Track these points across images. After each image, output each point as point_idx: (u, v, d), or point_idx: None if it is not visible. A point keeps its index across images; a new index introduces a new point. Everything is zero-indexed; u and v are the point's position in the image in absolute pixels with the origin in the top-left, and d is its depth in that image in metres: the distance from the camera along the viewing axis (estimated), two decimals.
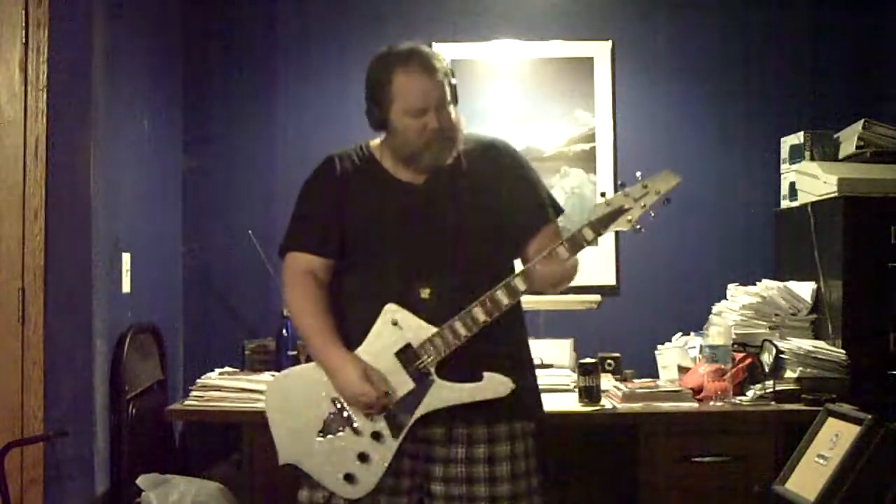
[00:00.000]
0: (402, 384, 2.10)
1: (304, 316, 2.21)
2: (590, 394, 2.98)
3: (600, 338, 3.48)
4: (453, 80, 2.20)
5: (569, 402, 3.03)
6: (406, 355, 2.10)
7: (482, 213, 2.21)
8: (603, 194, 2.09)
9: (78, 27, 2.81)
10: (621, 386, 3.07)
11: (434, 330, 2.09)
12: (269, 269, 3.32)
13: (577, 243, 2.08)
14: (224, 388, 3.04)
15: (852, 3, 3.74)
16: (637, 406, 2.95)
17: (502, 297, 2.08)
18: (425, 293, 2.12)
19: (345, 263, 2.24)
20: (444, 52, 3.66)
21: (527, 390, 2.22)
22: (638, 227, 2.08)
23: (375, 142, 2.30)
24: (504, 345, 2.19)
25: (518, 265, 2.26)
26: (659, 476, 2.87)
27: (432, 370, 2.09)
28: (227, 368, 3.26)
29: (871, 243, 3.07)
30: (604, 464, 3.26)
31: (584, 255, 2.11)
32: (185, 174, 3.71)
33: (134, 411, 2.97)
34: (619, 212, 2.06)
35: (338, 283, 2.26)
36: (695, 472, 2.86)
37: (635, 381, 3.20)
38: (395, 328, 2.10)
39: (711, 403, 2.96)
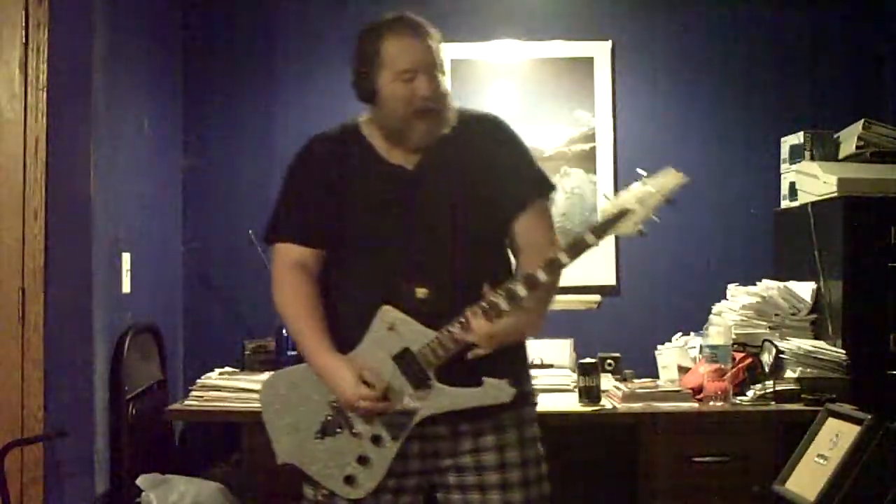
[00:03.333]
0: (401, 388, 2.04)
1: (297, 319, 2.12)
2: (590, 394, 2.98)
3: (600, 338, 3.48)
4: (444, 53, 2.14)
5: (569, 402, 3.03)
6: (404, 360, 2.03)
7: (477, 200, 2.12)
8: (605, 196, 2.01)
9: (78, 27, 2.80)
10: (621, 386, 3.07)
11: (433, 335, 2.01)
12: (269, 269, 3.31)
13: (578, 248, 1.98)
14: (224, 388, 3.04)
15: (853, 2, 3.74)
16: (637, 406, 2.95)
17: (502, 303, 1.98)
18: (422, 293, 2.04)
19: (335, 254, 2.16)
20: (444, 52, 3.69)
21: (528, 392, 2.19)
22: (641, 228, 1.98)
23: (364, 118, 2.20)
24: (503, 348, 2.10)
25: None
26: (659, 476, 2.87)
27: (431, 375, 2.02)
28: (227, 368, 3.26)
29: (871, 243, 3.07)
30: (604, 464, 3.26)
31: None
32: (185, 174, 3.71)
33: (134, 411, 2.96)
34: (623, 214, 1.96)
35: (328, 276, 2.17)
36: (695, 472, 2.86)
37: (635, 381, 3.19)
38: (392, 332, 2.03)
39: (711, 403, 2.96)
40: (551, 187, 2.25)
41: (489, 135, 2.19)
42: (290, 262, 2.16)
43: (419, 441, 2.08)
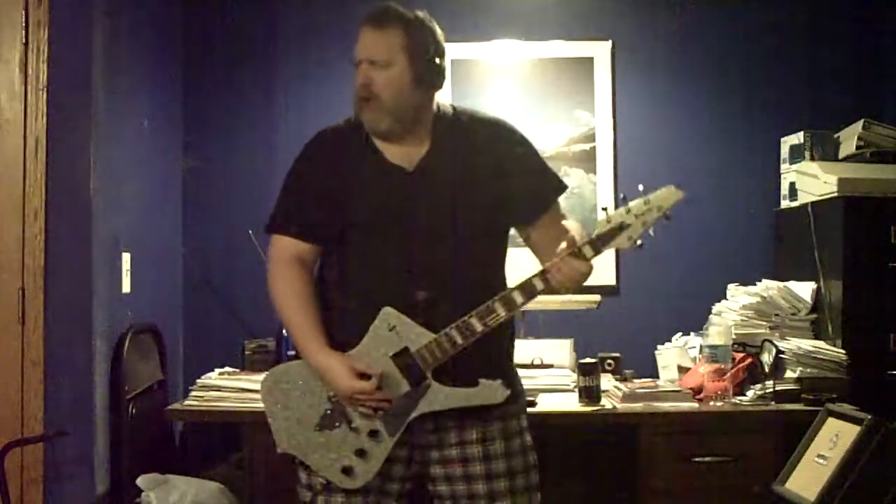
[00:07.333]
0: (398, 386, 2.08)
1: (292, 312, 2.15)
2: (590, 394, 2.98)
3: (600, 338, 3.48)
4: (430, 53, 2.11)
5: (569, 402, 3.02)
6: (403, 359, 2.07)
7: (482, 203, 2.15)
8: (604, 209, 2.06)
9: (78, 27, 2.81)
10: (621, 386, 3.07)
11: (432, 336, 2.05)
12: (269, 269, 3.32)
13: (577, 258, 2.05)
14: (224, 388, 3.04)
15: (852, 3, 3.74)
16: (637, 406, 2.95)
17: (500, 309, 2.04)
18: (421, 295, 2.09)
19: (335, 252, 2.18)
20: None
21: (518, 391, 2.21)
22: (638, 243, 2.04)
23: None
24: (497, 348, 2.17)
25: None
26: (659, 476, 2.87)
27: (429, 374, 2.07)
28: (227, 368, 3.26)
29: (871, 243, 3.08)
30: (604, 464, 3.26)
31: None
32: (185, 174, 3.71)
33: (134, 411, 2.97)
34: (620, 228, 2.01)
35: (327, 273, 2.20)
36: (695, 472, 2.86)
37: (635, 381, 3.20)
38: (392, 333, 2.07)
39: (711, 403, 2.96)
40: (566, 186, 2.30)
41: (500, 139, 2.21)
42: (287, 255, 2.18)
43: (406, 432, 2.12)
